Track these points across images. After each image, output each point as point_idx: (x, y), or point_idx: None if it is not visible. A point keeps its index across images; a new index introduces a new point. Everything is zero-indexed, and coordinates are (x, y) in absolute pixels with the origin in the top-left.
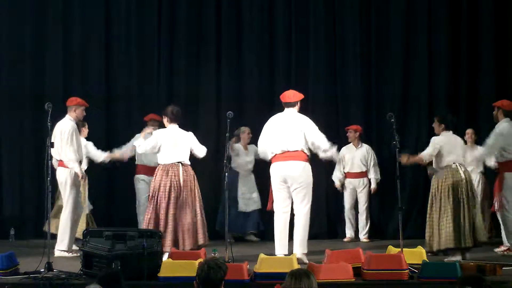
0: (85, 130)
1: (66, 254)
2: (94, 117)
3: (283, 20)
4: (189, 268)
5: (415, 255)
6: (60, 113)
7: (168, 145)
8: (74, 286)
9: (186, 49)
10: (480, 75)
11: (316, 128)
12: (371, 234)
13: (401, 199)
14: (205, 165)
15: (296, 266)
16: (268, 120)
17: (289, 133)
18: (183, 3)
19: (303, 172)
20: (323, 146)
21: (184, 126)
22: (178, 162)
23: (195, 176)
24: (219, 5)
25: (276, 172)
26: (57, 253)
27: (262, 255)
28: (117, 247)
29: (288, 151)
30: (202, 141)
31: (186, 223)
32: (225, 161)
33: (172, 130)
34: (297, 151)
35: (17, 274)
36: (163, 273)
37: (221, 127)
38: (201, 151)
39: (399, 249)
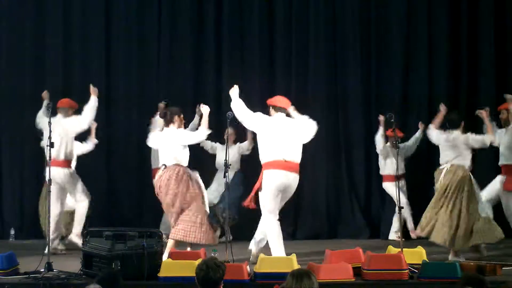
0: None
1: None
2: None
3: (283, 20)
4: (189, 268)
5: (415, 255)
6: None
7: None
8: (74, 286)
9: (186, 49)
10: (480, 75)
11: None
12: (372, 234)
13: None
14: (205, 165)
15: (296, 266)
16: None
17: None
18: (183, 3)
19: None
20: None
21: (184, 126)
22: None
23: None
24: (219, 6)
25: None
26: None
27: (262, 255)
28: (117, 247)
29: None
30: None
31: None
32: (225, 160)
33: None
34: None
35: (17, 274)
36: (163, 273)
37: (221, 127)
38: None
39: (399, 249)
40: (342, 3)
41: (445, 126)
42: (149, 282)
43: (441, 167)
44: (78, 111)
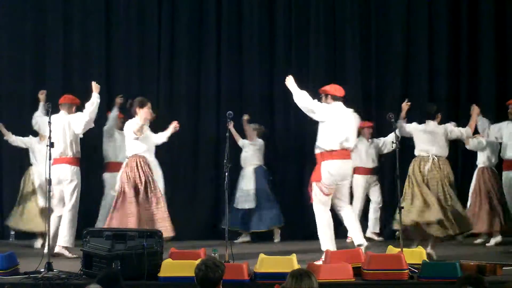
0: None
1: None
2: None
3: (283, 20)
4: (189, 268)
5: (415, 255)
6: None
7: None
8: (74, 286)
9: (186, 49)
10: (480, 75)
11: None
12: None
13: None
14: (204, 164)
15: (296, 266)
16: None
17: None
18: (183, 3)
19: None
20: None
21: (184, 126)
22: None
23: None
24: (219, 5)
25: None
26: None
27: (262, 255)
28: (117, 247)
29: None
30: (202, 140)
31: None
32: (225, 160)
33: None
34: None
35: (17, 274)
36: (163, 273)
37: (221, 127)
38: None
39: (399, 249)
40: (342, 3)
41: (421, 118)
42: (149, 282)
43: (421, 157)
44: (80, 108)
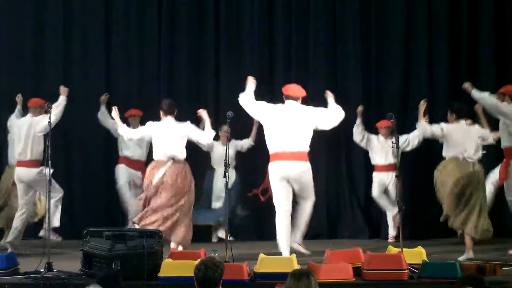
0: None
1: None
2: (94, 117)
3: (283, 20)
4: (189, 268)
5: (415, 255)
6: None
7: (159, 139)
8: (74, 286)
9: (186, 49)
10: (480, 75)
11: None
12: (372, 234)
13: (401, 199)
14: (204, 164)
15: (296, 266)
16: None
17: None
18: (183, 3)
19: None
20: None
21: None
22: (170, 158)
23: (186, 172)
24: (218, 5)
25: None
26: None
27: (262, 255)
28: (117, 247)
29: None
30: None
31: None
32: (225, 160)
33: (166, 123)
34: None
35: (17, 274)
36: (163, 273)
37: (218, 126)
38: (205, 137)
39: (399, 249)
40: (342, 2)
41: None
42: (149, 282)
43: (449, 159)
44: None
